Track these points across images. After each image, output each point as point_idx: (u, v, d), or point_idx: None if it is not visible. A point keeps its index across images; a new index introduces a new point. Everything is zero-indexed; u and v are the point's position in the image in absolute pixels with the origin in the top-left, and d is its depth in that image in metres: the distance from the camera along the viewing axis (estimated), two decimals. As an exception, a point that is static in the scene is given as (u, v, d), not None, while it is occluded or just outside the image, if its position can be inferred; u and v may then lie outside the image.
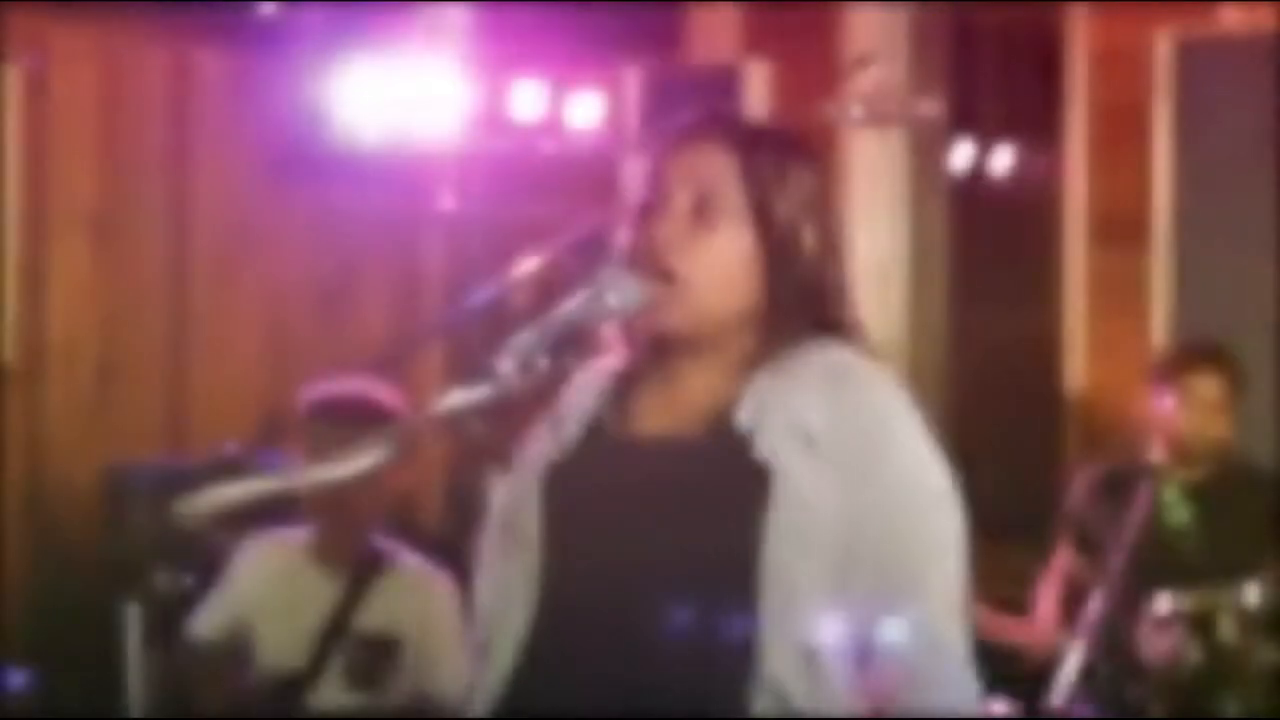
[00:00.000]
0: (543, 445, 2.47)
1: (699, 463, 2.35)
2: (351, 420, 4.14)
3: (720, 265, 2.37)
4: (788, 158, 2.41)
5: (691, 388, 2.42)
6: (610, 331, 2.45)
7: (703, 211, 2.37)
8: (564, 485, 2.42)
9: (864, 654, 2.27)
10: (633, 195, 2.44)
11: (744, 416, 2.34)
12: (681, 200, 2.38)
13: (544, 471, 2.44)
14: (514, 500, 2.45)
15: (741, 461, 2.31)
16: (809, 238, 2.39)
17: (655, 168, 2.42)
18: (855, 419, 2.32)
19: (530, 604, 2.38)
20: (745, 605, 2.27)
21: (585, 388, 2.49)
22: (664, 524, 2.33)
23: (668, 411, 2.42)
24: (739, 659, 2.27)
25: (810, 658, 2.25)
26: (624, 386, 2.47)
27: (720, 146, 2.40)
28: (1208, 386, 4.85)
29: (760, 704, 2.26)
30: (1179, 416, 4.84)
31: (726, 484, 2.32)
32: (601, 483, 2.40)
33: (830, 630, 2.25)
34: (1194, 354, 4.97)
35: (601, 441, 2.44)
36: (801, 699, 2.25)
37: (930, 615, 2.30)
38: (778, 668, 2.25)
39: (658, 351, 2.44)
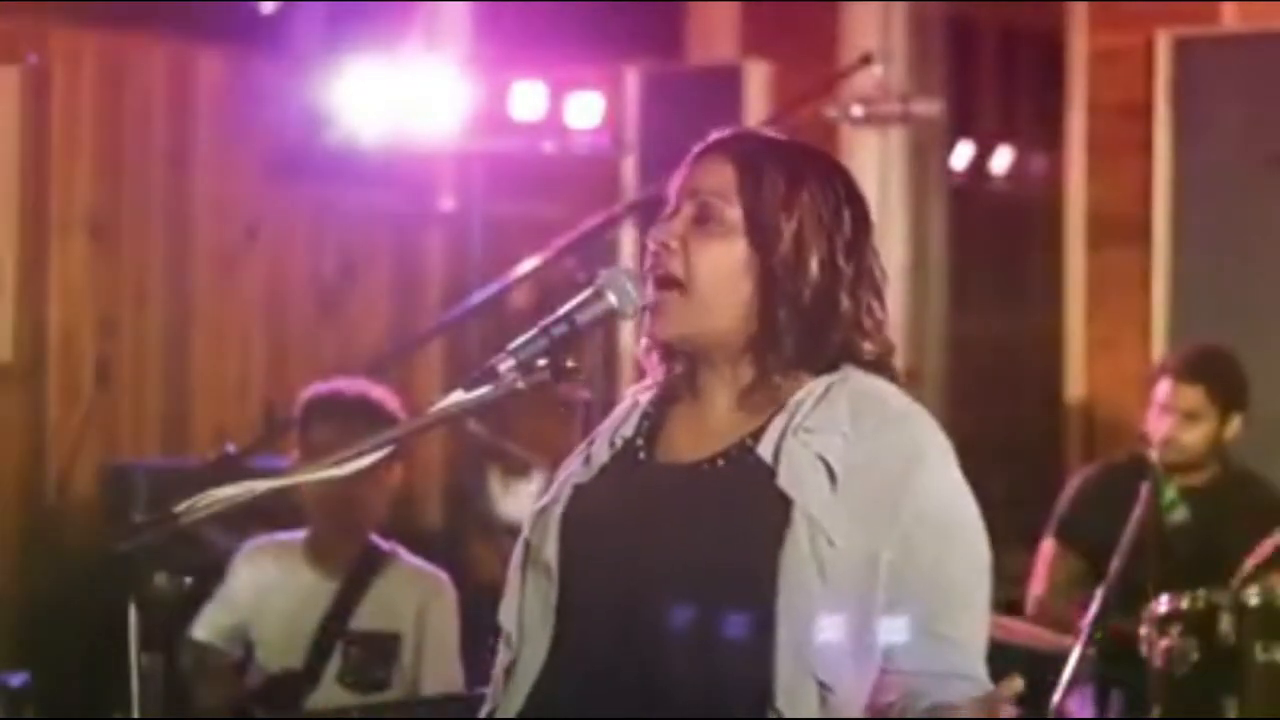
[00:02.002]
0: (572, 470, 2.48)
1: (718, 488, 2.35)
2: (348, 420, 4.14)
3: (714, 268, 2.37)
4: (803, 177, 2.39)
5: (718, 411, 2.42)
6: (649, 355, 2.46)
7: (702, 221, 2.38)
8: (582, 507, 2.42)
9: (882, 685, 2.29)
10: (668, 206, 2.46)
11: (766, 446, 2.34)
12: (687, 210, 2.40)
13: (570, 494, 2.43)
14: (539, 523, 2.44)
15: (762, 490, 2.30)
16: (815, 260, 2.37)
17: (678, 179, 2.44)
18: (884, 456, 2.31)
19: (550, 626, 2.38)
20: (759, 630, 2.27)
21: (621, 415, 2.50)
22: (678, 546, 2.32)
23: (695, 436, 2.42)
24: (751, 686, 2.27)
25: (822, 688, 2.26)
26: (660, 411, 2.48)
27: (725, 160, 2.40)
28: (1186, 396, 4.85)
29: None
30: (1161, 423, 4.85)
31: (745, 512, 2.31)
32: (621, 505, 2.40)
33: (846, 660, 2.27)
34: (1178, 362, 4.96)
35: (626, 464, 2.44)
36: None
37: (964, 654, 2.33)
38: (787, 697, 2.25)
39: (687, 371, 2.45)
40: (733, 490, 2.34)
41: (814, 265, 2.37)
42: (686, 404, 2.45)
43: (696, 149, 2.45)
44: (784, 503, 2.28)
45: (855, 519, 2.27)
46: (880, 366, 2.41)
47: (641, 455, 2.44)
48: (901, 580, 2.28)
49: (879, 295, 2.42)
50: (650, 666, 2.29)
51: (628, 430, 2.47)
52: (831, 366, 2.39)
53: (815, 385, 2.37)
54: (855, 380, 2.37)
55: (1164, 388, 4.88)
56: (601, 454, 2.46)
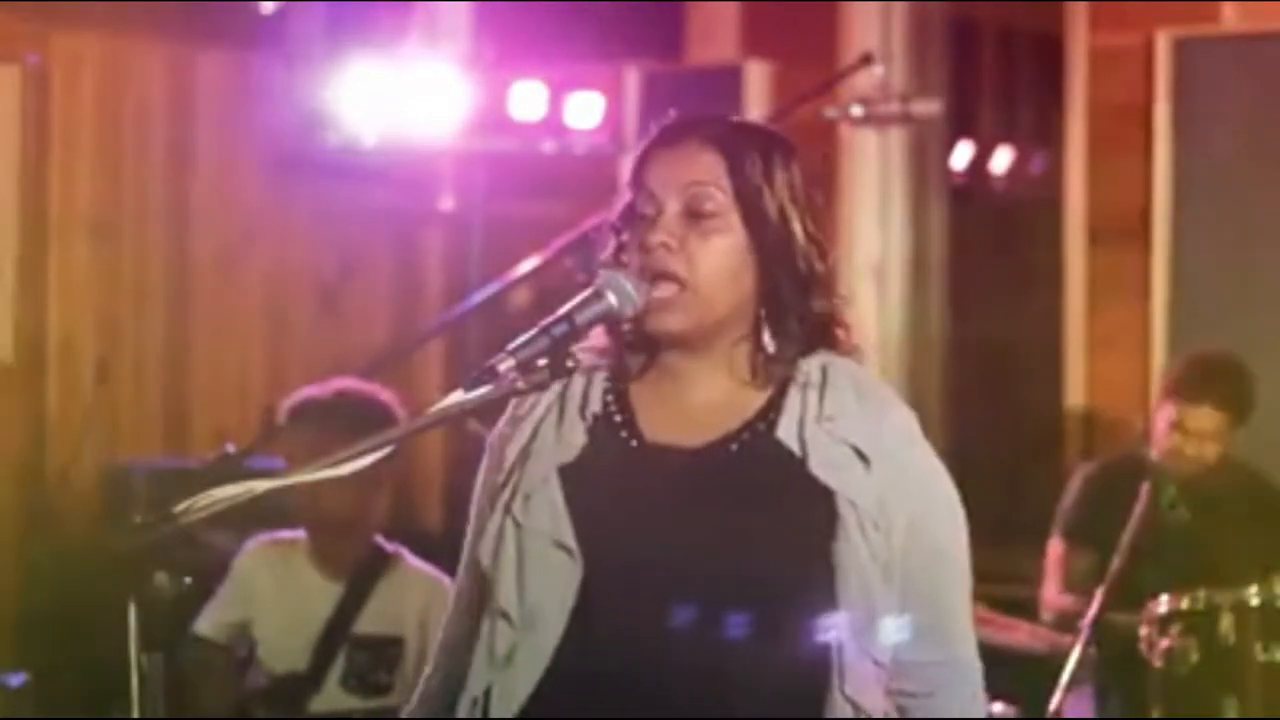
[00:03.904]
0: (546, 443, 2.45)
1: (740, 472, 2.36)
2: (325, 421, 4.12)
3: (717, 265, 2.37)
4: (771, 154, 2.42)
5: (700, 394, 2.42)
6: (598, 333, 2.45)
7: (695, 215, 2.38)
8: (589, 490, 2.39)
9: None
10: (621, 201, 2.44)
11: (786, 431, 2.35)
12: (672, 207, 2.38)
13: (559, 476, 2.41)
14: (531, 504, 2.41)
15: (793, 477, 2.33)
16: (798, 231, 2.40)
17: (642, 173, 2.42)
18: (885, 438, 2.36)
19: (568, 610, 2.37)
20: (817, 616, 2.31)
21: (579, 384, 2.46)
22: (715, 533, 2.33)
23: (682, 418, 2.41)
24: (812, 672, 2.30)
25: (878, 666, 2.32)
26: (623, 388, 2.46)
27: (706, 148, 2.40)
28: (1201, 418, 4.79)
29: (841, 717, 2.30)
30: (1172, 437, 4.81)
31: (780, 499, 2.33)
32: (634, 489, 2.38)
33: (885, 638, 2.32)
34: (1195, 383, 4.86)
35: (616, 445, 2.42)
36: (880, 714, 2.31)
37: (952, 637, 2.39)
38: (859, 686, 2.30)
39: (654, 351, 2.44)
40: (757, 475, 2.35)
41: (799, 234, 2.40)
42: (656, 383, 2.44)
43: (658, 139, 2.44)
44: (823, 491, 2.32)
45: (880, 502, 2.33)
46: (843, 344, 2.44)
47: (624, 433, 2.42)
48: (909, 561, 2.34)
49: (828, 246, 2.45)
50: (700, 652, 2.30)
51: (595, 406, 2.44)
52: (810, 342, 2.41)
53: (809, 368, 2.39)
54: (842, 364, 2.41)
55: (1173, 408, 4.81)
56: (575, 431, 2.43)
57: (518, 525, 2.42)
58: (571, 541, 2.36)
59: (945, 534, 2.39)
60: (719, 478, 2.35)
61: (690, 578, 2.31)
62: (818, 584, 2.30)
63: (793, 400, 2.37)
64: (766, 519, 2.32)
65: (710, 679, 2.30)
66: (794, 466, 2.33)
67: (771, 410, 2.38)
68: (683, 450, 2.39)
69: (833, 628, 2.30)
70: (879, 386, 2.43)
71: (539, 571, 2.39)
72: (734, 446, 2.37)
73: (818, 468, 2.32)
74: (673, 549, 2.33)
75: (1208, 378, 4.88)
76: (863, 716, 2.31)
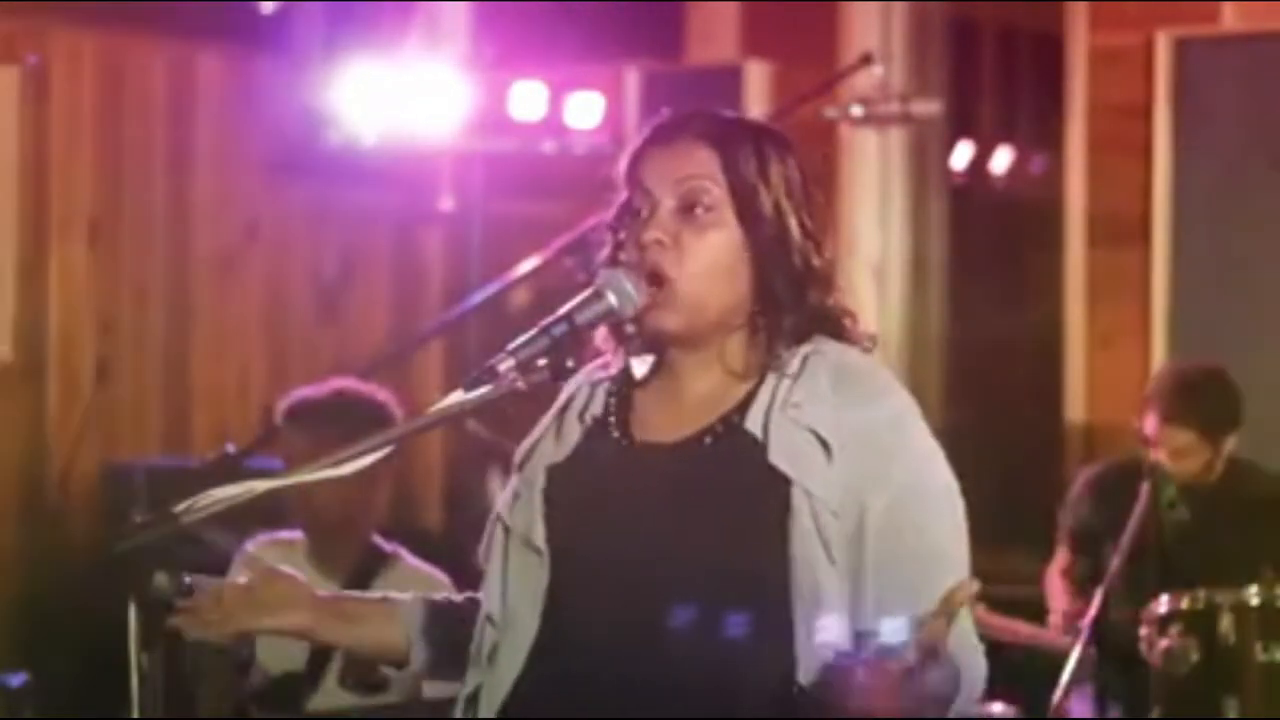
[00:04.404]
0: (544, 449, 2.46)
1: (711, 466, 2.35)
2: (339, 420, 4.12)
3: (711, 264, 2.37)
4: (765, 150, 2.41)
5: (695, 389, 2.41)
6: (602, 334, 2.45)
7: (689, 212, 2.37)
8: (568, 489, 2.41)
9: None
10: (618, 199, 2.44)
11: (753, 421, 2.34)
12: (667, 203, 2.38)
13: (546, 477, 2.42)
14: (517, 505, 2.44)
15: (755, 467, 2.31)
16: (794, 226, 2.39)
17: (637, 170, 2.42)
18: (868, 425, 2.33)
19: (539, 609, 2.38)
20: (772, 609, 2.28)
21: (584, 392, 2.48)
22: (678, 528, 2.32)
23: (672, 415, 2.41)
24: (768, 664, 2.29)
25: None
26: (626, 390, 2.46)
27: (700, 144, 2.40)
28: (1175, 437, 4.78)
29: (802, 710, 2.27)
30: (1153, 452, 4.80)
31: (741, 489, 2.32)
32: (609, 486, 2.39)
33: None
34: (1169, 401, 4.83)
35: (605, 445, 2.43)
36: None
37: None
38: (810, 674, 2.26)
39: (657, 353, 2.44)
40: (725, 467, 2.34)
41: (794, 229, 2.39)
42: (659, 383, 2.44)
43: (652, 136, 2.43)
44: (781, 480, 2.30)
45: (848, 489, 2.29)
46: (849, 334, 2.42)
47: (616, 433, 2.43)
48: (888, 549, 2.30)
49: (827, 240, 2.44)
50: (660, 648, 2.30)
51: (596, 409, 2.46)
52: (804, 335, 2.39)
53: (790, 358, 2.37)
54: (829, 351, 2.39)
55: (1153, 422, 4.81)
56: (572, 433, 2.45)
57: (506, 529, 2.44)
58: (541, 542, 2.38)
59: (933, 520, 2.34)
60: (691, 472, 2.35)
61: (654, 574, 2.32)
62: (777, 576, 2.29)
63: (766, 389, 2.36)
64: (730, 511, 2.31)
65: (672, 676, 2.30)
66: (756, 456, 2.32)
67: (748, 402, 2.37)
68: (662, 447, 2.39)
69: (792, 621, 2.28)
70: (870, 373, 2.39)
71: (517, 572, 2.42)
72: (708, 440, 2.36)
73: (776, 456, 2.30)
74: (641, 546, 2.33)
75: (1182, 397, 4.85)
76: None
